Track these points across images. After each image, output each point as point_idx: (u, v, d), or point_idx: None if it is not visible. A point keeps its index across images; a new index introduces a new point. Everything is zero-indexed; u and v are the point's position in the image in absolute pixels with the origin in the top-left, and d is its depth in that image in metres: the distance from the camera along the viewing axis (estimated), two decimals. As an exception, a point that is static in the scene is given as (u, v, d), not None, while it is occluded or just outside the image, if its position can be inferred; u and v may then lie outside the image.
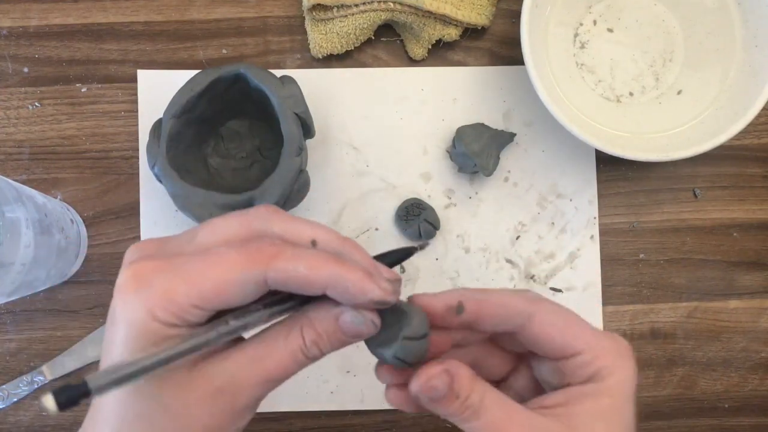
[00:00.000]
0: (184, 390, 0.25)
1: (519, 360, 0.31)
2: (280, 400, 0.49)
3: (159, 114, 0.44)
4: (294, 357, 0.26)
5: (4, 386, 0.48)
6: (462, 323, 0.28)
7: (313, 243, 0.26)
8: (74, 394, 0.21)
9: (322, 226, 0.27)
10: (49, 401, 0.21)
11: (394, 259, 0.30)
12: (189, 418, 0.25)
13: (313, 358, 0.27)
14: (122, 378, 0.22)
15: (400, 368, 0.28)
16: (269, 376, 0.26)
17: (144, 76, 0.50)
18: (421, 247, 0.31)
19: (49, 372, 0.48)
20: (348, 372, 0.49)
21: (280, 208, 0.27)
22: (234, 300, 0.25)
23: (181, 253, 0.26)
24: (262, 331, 0.27)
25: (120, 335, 0.24)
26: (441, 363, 0.26)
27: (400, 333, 0.26)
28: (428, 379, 0.26)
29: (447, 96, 0.50)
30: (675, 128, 0.47)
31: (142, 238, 0.49)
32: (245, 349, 0.26)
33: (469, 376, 0.26)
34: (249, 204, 0.42)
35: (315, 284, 0.25)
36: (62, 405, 0.21)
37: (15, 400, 0.48)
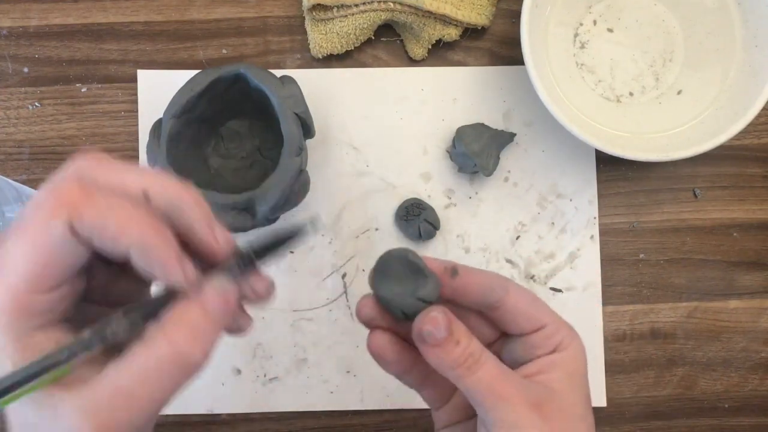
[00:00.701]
0: (55, 413, 0.22)
1: (489, 347, 0.32)
2: (280, 400, 0.49)
3: (159, 114, 0.44)
4: (165, 372, 0.22)
5: None
6: (454, 289, 0.29)
7: (145, 196, 0.23)
8: None
9: (158, 176, 0.23)
10: None
11: (269, 244, 0.26)
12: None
13: (203, 359, 0.23)
14: None
15: (393, 316, 0.29)
16: (145, 404, 0.22)
17: (144, 76, 0.50)
18: (312, 225, 0.27)
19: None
20: (348, 372, 0.49)
21: (107, 156, 0.24)
22: (61, 263, 0.22)
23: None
24: (125, 354, 0.23)
25: None
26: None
27: (416, 291, 0.28)
28: (429, 311, 0.27)
29: (447, 96, 0.50)
30: (675, 128, 0.47)
31: None
32: (102, 380, 0.22)
33: (466, 329, 0.28)
34: (249, 204, 0.42)
35: (120, 245, 0.22)
36: None
37: (15, 400, 0.48)
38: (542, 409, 0.27)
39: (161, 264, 0.22)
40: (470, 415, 0.30)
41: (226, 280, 0.24)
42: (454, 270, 0.29)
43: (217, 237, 0.24)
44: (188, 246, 0.24)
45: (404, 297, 0.28)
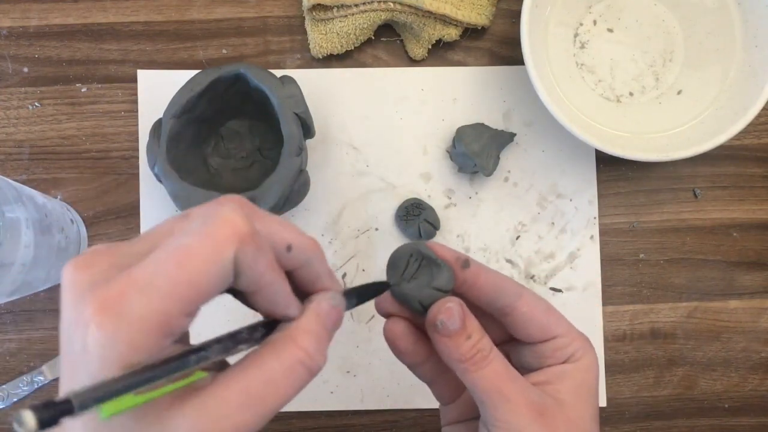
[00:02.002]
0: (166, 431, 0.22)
1: (498, 346, 0.32)
2: (280, 400, 0.49)
3: (159, 114, 0.44)
4: (293, 375, 0.23)
5: (4, 386, 0.48)
6: (464, 281, 0.29)
7: (289, 248, 0.25)
8: (57, 411, 0.18)
9: (297, 230, 0.25)
10: (28, 418, 0.18)
11: (364, 294, 0.29)
12: None
13: (324, 363, 0.25)
14: (109, 394, 0.19)
15: (411, 310, 0.29)
16: (269, 409, 0.23)
17: (144, 76, 0.50)
18: (391, 285, 0.30)
19: (49, 372, 0.48)
20: (348, 372, 0.49)
21: (248, 200, 0.25)
22: (214, 291, 0.22)
23: (141, 261, 0.22)
24: (246, 359, 0.24)
25: (93, 367, 0.21)
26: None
27: (432, 282, 0.28)
28: (446, 302, 0.28)
29: (447, 96, 0.50)
30: (675, 128, 0.47)
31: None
32: (231, 383, 0.22)
33: (479, 325, 0.28)
34: (249, 204, 0.42)
35: (256, 283, 0.23)
36: (44, 423, 0.18)
37: (15, 400, 0.48)
38: (546, 417, 0.27)
39: (284, 301, 0.25)
40: (476, 414, 0.30)
41: (338, 296, 0.26)
42: (465, 262, 0.29)
43: (333, 286, 0.27)
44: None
45: (420, 288, 0.29)
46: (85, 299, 0.20)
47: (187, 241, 0.21)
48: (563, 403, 0.28)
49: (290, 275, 0.26)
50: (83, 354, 0.20)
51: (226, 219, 0.22)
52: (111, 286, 0.21)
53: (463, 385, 0.31)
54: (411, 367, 0.31)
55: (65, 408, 0.19)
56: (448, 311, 0.27)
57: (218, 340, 0.23)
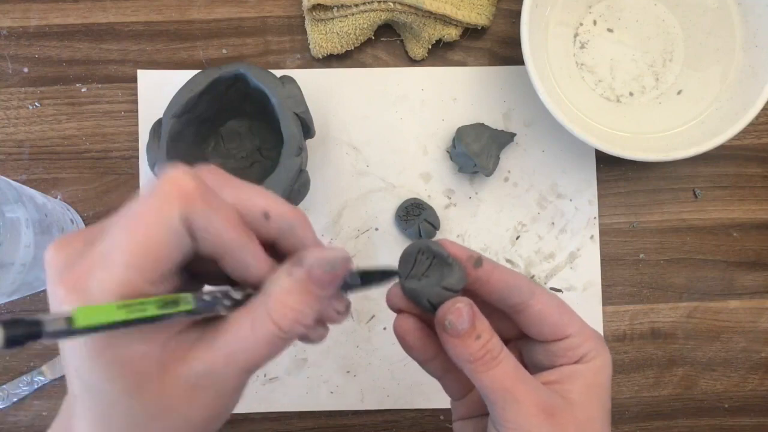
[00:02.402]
0: (160, 393, 0.22)
1: (508, 343, 0.32)
2: (280, 400, 0.49)
3: (159, 114, 0.44)
4: (268, 345, 0.23)
5: (4, 386, 0.48)
6: (477, 279, 0.29)
7: (266, 216, 0.24)
8: (24, 332, 0.18)
9: (276, 197, 0.25)
10: None
11: (369, 278, 0.28)
12: (170, 417, 0.23)
13: (295, 337, 0.24)
14: (82, 329, 0.19)
15: (420, 308, 0.29)
16: (248, 368, 0.23)
17: (144, 76, 0.50)
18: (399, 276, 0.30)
19: (49, 372, 0.48)
20: (348, 372, 0.49)
21: (217, 168, 0.24)
22: (171, 256, 0.22)
23: (105, 231, 0.22)
24: (226, 318, 0.24)
25: (69, 345, 0.22)
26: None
27: (442, 281, 0.28)
28: (455, 302, 0.27)
29: (447, 96, 0.50)
30: (675, 128, 0.47)
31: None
32: (215, 341, 0.23)
33: (489, 325, 0.28)
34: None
35: (218, 244, 0.23)
36: (10, 341, 0.18)
37: (15, 400, 0.48)
38: (555, 418, 0.27)
39: (257, 264, 0.23)
40: (486, 412, 0.30)
41: (338, 259, 0.24)
42: (478, 260, 0.29)
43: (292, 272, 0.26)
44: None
45: (430, 287, 0.28)
46: (58, 280, 0.21)
47: (134, 208, 0.21)
48: (574, 403, 0.28)
49: (274, 248, 0.25)
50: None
51: (169, 178, 0.21)
52: (78, 265, 0.21)
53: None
54: (421, 362, 0.31)
55: (34, 330, 0.18)
56: (457, 311, 0.27)
57: (202, 301, 0.23)
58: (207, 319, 0.24)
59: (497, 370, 0.27)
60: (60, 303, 0.20)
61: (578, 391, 0.28)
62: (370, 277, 0.28)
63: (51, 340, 0.19)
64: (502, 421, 0.27)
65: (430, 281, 0.28)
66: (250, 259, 0.23)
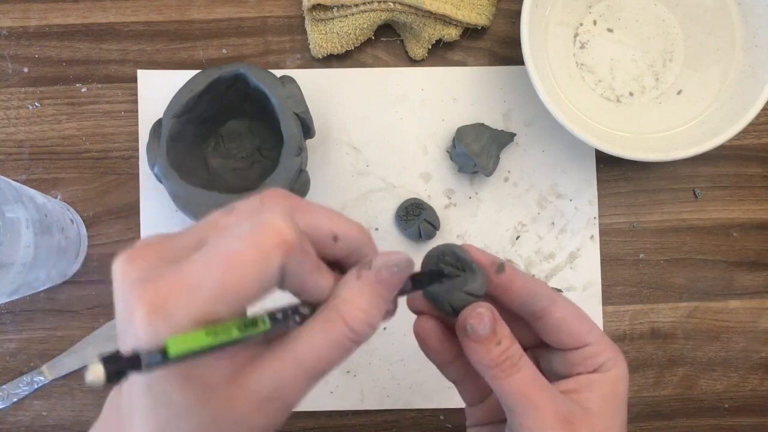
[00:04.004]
0: (229, 405, 0.23)
1: (527, 350, 0.32)
2: (280, 400, 0.49)
3: (159, 114, 0.44)
4: (340, 348, 0.24)
5: (4, 386, 0.48)
6: (498, 286, 0.29)
7: (335, 238, 0.25)
8: (125, 366, 0.19)
9: (343, 218, 0.26)
10: (97, 370, 0.18)
11: (420, 280, 0.29)
12: (236, 427, 0.23)
13: (364, 338, 0.25)
14: (175, 358, 0.20)
15: (443, 311, 0.29)
16: (316, 375, 0.25)
17: (144, 76, 0.50)
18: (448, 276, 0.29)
19: (49, 372, 0.48)
20: (348, 372, 0.49)
21: (291, 193, 0.25)
22: (256, 297, 0.22)
23: (188, 256, 0.22)
24: (299, 330, 0.24)
25: None
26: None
27: (465, 286, 0.28)
28: (477, 307, 0.28)
29: (447, 96, 0.50)
30: (675, 128, 0.47)
31: (142, 238, 0.49)
32: (283, 352, 0.24)
33: (510, 331, 0.28)
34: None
35: (302, 287, 0.24)
36: (111, 377, 0.18)
37: (15, 400, 0.48)
38: (573, 426, 0.27)
39: (324, 286, 0.25)
40: (502, 418, 0.30)
41: (402, 261, 0.25)
42: (500, 266, 0.29)
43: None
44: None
45: (452, 291, 0.28)
46: (134, 295, 0.21)
47: (236, 247, 0.22)
48: (592, 413, 0.28)
49: (339, 264, 0.26)
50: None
51: (273, 228, 0.22)
52: (159, 284, 0.21)
53: (490, 388, 0.31)
54: (439, 366, 0.31)
55: (133, 364, 0.19)
56: (479, 316, 0.27)
57: (274, 319, 0.23)
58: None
59: (517, 377, 0.27)
60: (139, 320, 0.21)
61: (596, 401, 0.28)
62: (418, 279, 0.28)
63: (147, 371, 0.19)
64: (520, 427, 0.27)
65: (452, 285, 0.28)
66: (323, 284, 0.25)
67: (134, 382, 0.22)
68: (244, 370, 0.23)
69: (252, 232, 0.22)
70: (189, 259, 0.22)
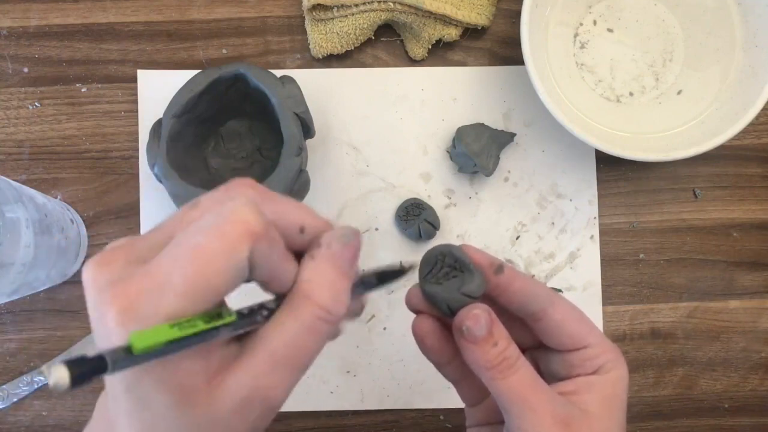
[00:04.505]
0: (210, 407, 0.22)
1: (526, 352, 0.32)
2: (280, 400, 0.49)
3: (159, 114, 0.44)
4: (313, 330, 0.23)
5: (4, 386, 0.48)
6: (496, 286, 0.29)
7: (302, 230, 0.25)
8: (89, 368, 0.18)
9: (310, 211, 0.26)
10: (61, 373, 0.18)
11: (383, 275, 0.29)
12: (218, 429, 0.23)
13: (336, 317, 0.24)
14: (142, 356, 0.20)
15: (440, 312, 0.29)
16: (294, 366, 0.24)
17: (144, 76, 0.50)
18: (405, 269, 0.30)
19: (49, 372, 0.48)
20: (348, 372, 0.49)
21: (257, 183, 0.25)
22: (227, 289, 0.22)
23: (156, 257, 0.22)
24: (265, 325, 0.24)
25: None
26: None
27: (462, 287, 0.28)
28: (473, 308, 0.27)
29: (447, 96, 0.50)
30: (675, 128, 0.47)
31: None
32: (257, 349, 0.23)
33: (507, 333, 0.28)
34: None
35: (271, 277, 0.24)
36: (76, 380, 0.18)
37: (15, 400, 0.48)
38: (571, 429, 0.27)
39: (291, 276, 0.24)
40: (502, 419, 0.30)
41: (348, 232, 0.25)
42: (499, 267, 0.29)
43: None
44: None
45: (449, 292, 0.28)
46: (104, 299, 0.21)
47: (202, 240, 0.21)
48: (590, 415, 0.27)
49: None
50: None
51: (239, 217, 0.22)
52: (128, 285, 0.21)
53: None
54: (437, 365, 0.31)
55: (98, 365, 0.19)
56: (475, 317, 0.27)
57: (241, 314, 0.23)
58: (245, 335, 0.24)
59: (513, 378, 0.27)
60: (111, 323, 0.20)
61: (595, 403, 0.28)
62: (384, 276, 0.29)
63: (114, 371, 0.19)
64: (517, 430, 0.27)
65: (449, 286, 0.28)
66: (294, 273, 0.24)
67: (115, 385, 0.22)
68: (221, 373, 0.23)
69: (217, 224, 0.22)
70: (157, 257, 0.22)
